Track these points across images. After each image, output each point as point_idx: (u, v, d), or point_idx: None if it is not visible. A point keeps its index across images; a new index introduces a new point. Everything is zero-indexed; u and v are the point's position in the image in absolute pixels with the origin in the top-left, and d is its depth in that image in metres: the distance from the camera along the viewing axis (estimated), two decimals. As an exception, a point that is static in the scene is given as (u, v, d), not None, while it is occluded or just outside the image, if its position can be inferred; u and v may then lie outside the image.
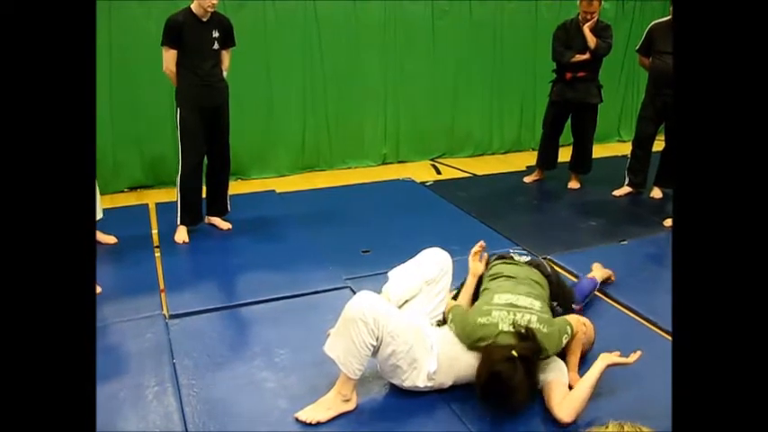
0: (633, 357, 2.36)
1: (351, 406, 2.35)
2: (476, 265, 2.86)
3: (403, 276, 2.67)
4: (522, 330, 2.32)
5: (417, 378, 2.37)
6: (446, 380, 2.42)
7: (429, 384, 2.39)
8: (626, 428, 1.31)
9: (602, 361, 2.36)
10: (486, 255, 2.91)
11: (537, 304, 2.49)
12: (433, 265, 2.67)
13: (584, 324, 2.58)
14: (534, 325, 2.36)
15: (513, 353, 2.24)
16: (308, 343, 2.68)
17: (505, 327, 2.36)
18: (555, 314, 2.61)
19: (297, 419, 2.28)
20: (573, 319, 2.54)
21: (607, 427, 1.33)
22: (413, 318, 2.52)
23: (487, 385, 2.27)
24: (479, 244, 2.90)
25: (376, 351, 2.31)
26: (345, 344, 2.27)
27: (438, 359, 2.39)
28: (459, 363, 2.41)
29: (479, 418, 2.31)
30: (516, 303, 2.46)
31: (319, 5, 5.27)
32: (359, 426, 2.28)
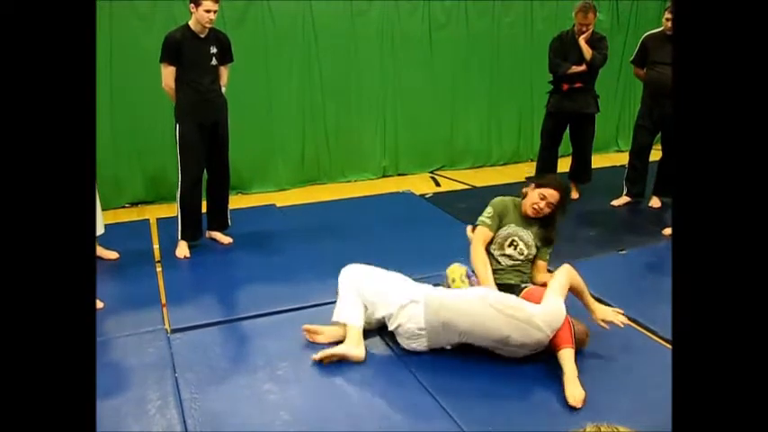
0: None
1: (360, 352, 2.66)
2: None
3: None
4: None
5: (415, 312, 2.65)
6: (455, 317, 2.62)
7: (426, 320, 2.63)
8: (603, 429, 1.31)
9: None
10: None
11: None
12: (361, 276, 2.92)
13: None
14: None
15: None
16: (310, 355, 2.69)
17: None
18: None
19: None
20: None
21: (585, 430, 1.33)
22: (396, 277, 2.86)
23: None
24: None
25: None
26: (340, 303, 2.81)
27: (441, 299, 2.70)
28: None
29: (475, 420, 2.31)
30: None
31: (317, 20, 5.31)
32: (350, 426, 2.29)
